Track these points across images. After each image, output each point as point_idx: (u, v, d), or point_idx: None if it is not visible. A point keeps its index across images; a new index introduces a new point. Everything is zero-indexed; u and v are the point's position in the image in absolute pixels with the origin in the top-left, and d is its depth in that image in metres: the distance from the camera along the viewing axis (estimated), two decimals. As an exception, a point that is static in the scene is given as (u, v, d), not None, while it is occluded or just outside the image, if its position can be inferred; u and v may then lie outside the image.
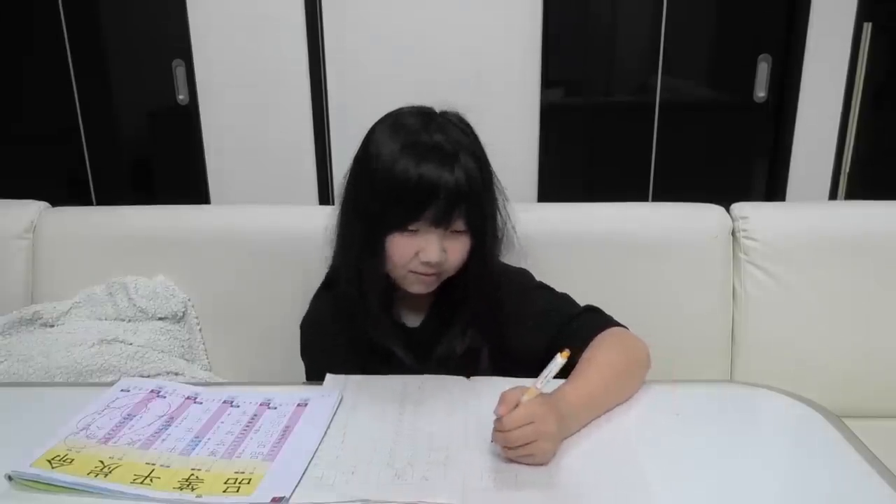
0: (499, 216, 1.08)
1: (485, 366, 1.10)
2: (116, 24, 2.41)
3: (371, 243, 1.02)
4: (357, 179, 1.05)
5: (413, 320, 1.14)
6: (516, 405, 0.82)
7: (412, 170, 0.95)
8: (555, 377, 0.86)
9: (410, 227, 0.98)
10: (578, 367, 0.95)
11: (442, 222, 0.98)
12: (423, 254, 0.99)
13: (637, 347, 1.02)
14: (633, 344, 1.02)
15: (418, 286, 1.04)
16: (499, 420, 0.82)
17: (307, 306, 1.19)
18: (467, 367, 1.05)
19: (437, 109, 1.04)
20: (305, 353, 1.18)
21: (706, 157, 2.43)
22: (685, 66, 2.38)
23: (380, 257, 1.02)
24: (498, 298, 1.11)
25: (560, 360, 0.84)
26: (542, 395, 0.84)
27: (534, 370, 0.92)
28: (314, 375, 1.15)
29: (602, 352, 0.98)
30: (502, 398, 0.83)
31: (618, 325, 1.06)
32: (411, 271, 1.02)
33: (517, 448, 0.81)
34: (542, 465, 0.82)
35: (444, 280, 1.07)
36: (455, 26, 2.25)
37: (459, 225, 1.00)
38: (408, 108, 1.04)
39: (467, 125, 1.04)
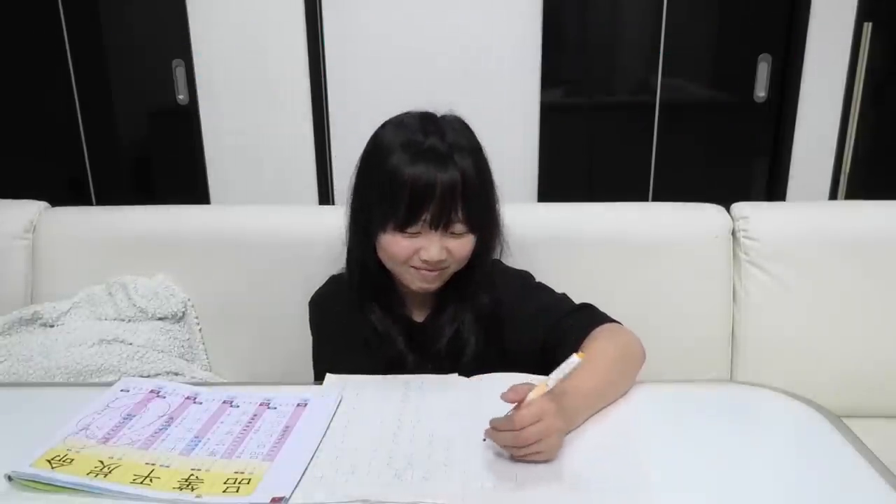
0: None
1: (469, 358, 1.10)
2: (116, 24, 2.41)
3: (371, 236, 1.06)
4: (362, 174, 1.10)
5: (420, 315, 1.16)
6: (522, 401, 0.81)
7: (408, 170, 0.99)
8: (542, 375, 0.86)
9: (410, 230, 1.01)
10: None
11: (440, 224, 1.00)
12: (423, 252, 1.02)
13: (631, 341, 1.02)
14: (627, 338, 1.03)
15: (420, 283, 1.06)
16: (507, 419, 0.81)
17: (307, 306, 1.20)
18: (452, 363, 1.06)
19: (440, 113, 1.08)
20: (312, 326, 1.20)
21: (706, 157, 2.43)
22: (685, 65, 2.38)
23: (379, 251, 1.06)
24: (499, 297, 1.12)
25: (576, 359, 0.82)
26: (549, 391, 0.83)
27: (520, 368, 0.95)
28: (319, 351, 1.17)
29: (598, 347, 0.99)
30: (512, 389, 0.82)
31: (612, 321, 1.07)
32: (412, 266, 1.04)
33: (526, 447, 0.80)
34: (547, 461, 0.82)
35: (452, 276, 1.08)
36: (455, 26, 2.25)
37: (459, 228, 1.02)
38: (414, 111, 1.09)
39: (467, 128, 1.08)
